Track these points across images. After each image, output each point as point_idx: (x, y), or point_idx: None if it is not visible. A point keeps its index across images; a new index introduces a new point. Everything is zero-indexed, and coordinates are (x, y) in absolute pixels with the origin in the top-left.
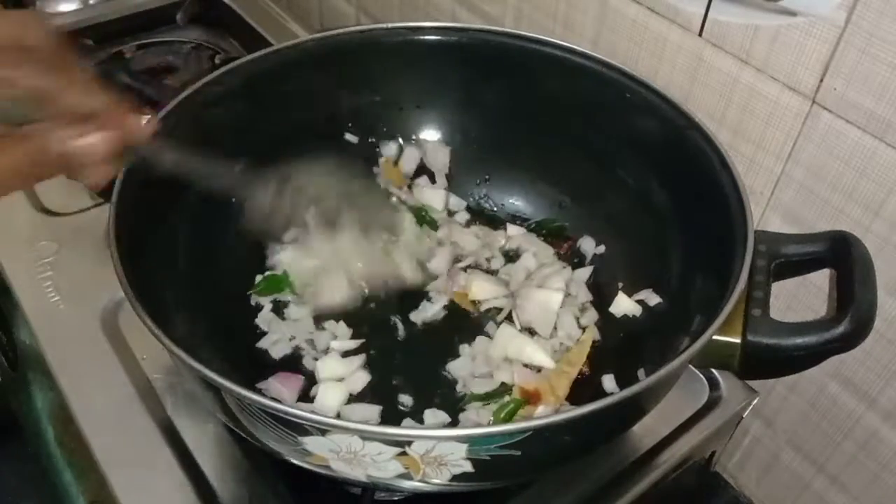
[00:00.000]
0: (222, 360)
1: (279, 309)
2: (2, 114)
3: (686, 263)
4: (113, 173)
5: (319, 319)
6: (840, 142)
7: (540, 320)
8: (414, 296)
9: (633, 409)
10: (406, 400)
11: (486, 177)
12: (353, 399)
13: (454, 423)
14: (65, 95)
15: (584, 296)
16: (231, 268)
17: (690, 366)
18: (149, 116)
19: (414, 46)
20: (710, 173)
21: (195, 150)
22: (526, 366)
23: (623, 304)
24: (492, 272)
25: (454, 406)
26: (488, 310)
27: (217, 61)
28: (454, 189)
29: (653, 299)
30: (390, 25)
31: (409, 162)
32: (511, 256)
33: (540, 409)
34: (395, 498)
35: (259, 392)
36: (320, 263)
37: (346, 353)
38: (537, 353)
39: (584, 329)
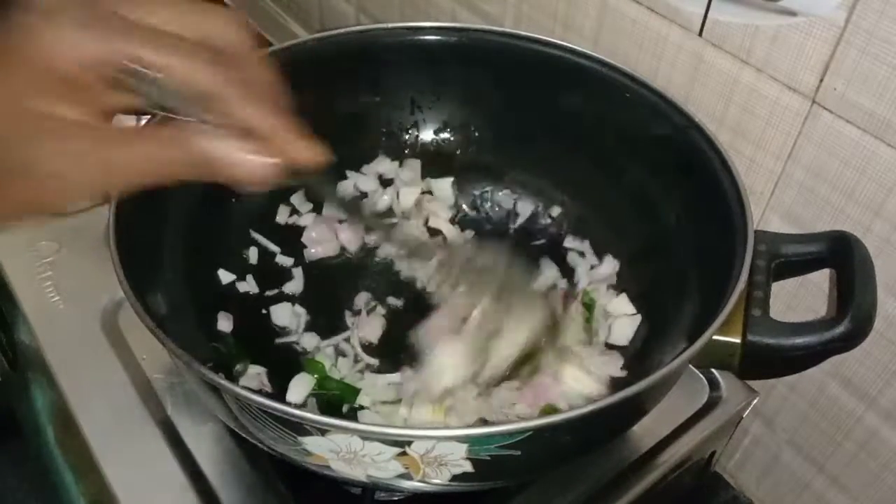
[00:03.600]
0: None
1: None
2: (154, 99)
3: (686, 263)
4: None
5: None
6: (840, 142)
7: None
8: None
9: (633, 409)
10: None
11: (486, 177)
12: None
13: None
14: (234, 106)
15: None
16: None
17: (690, 366)
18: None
19: (414, 46)
20: (710, 173)
21: None
22: None
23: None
24: None
25: None
26: None
27: None
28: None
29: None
30: (390, 25)
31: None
32: None
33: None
34: (395, 498)
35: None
36: None
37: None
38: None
39: None
